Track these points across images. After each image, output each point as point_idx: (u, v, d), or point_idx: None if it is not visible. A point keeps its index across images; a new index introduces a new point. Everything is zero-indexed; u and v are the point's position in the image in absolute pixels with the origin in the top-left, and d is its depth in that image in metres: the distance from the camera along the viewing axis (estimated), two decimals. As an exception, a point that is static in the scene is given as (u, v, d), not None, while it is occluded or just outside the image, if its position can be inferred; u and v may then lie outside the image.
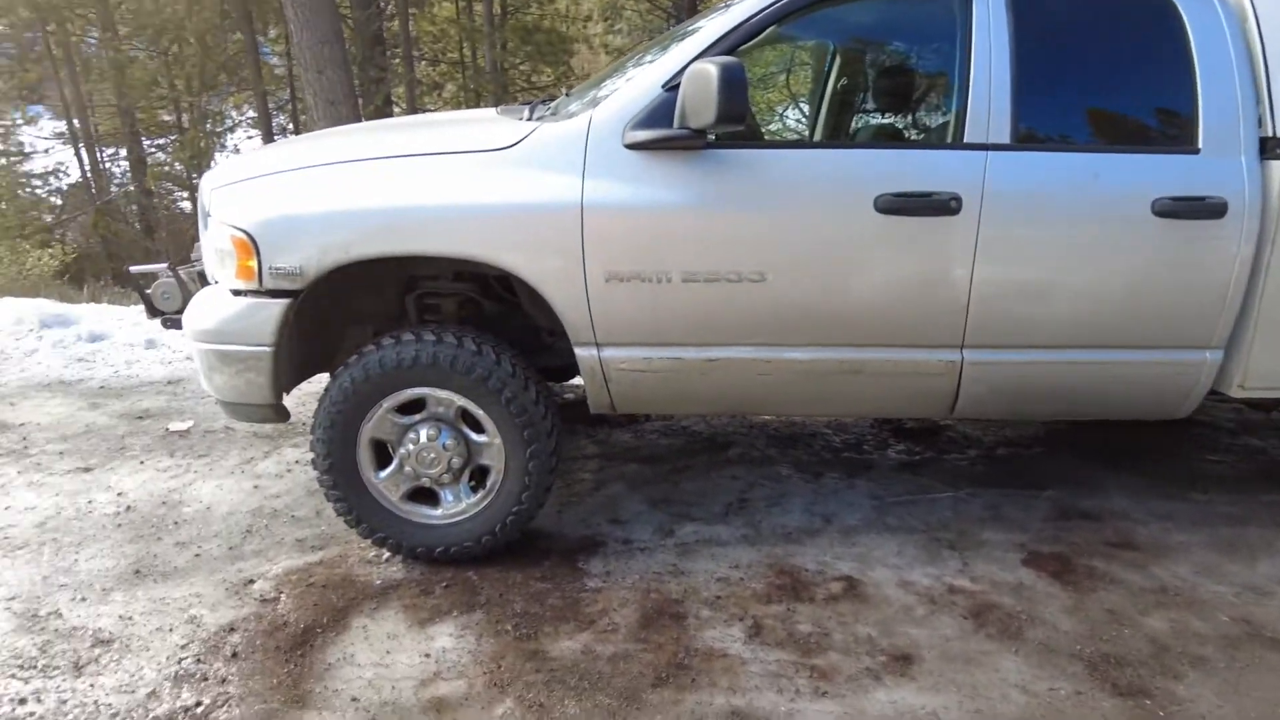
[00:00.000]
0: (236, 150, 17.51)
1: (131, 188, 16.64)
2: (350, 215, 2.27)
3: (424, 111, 15.17)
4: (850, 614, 2.26)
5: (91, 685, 1.98)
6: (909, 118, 3.20)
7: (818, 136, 3.80)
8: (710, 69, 2.03)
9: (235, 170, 2.55)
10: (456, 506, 2.44)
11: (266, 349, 2.31)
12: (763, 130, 4.69)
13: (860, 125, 3.56)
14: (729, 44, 2.30)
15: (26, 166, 16.43)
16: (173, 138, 17.94)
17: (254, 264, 2.27)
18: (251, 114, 18.51)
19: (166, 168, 17.47)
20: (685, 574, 2.43)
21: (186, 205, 17.78)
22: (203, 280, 2.87)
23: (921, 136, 3.09)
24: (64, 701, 1.92)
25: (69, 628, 2.19)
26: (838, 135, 3.56)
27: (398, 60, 15.26)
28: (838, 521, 2.75)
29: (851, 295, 2.32)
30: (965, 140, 2.31)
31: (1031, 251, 2.35)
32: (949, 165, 2.30)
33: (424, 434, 2.38)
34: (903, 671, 2.04)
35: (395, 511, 2.43)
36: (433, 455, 2.38)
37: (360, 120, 9.76)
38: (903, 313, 2.35)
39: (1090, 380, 2.47)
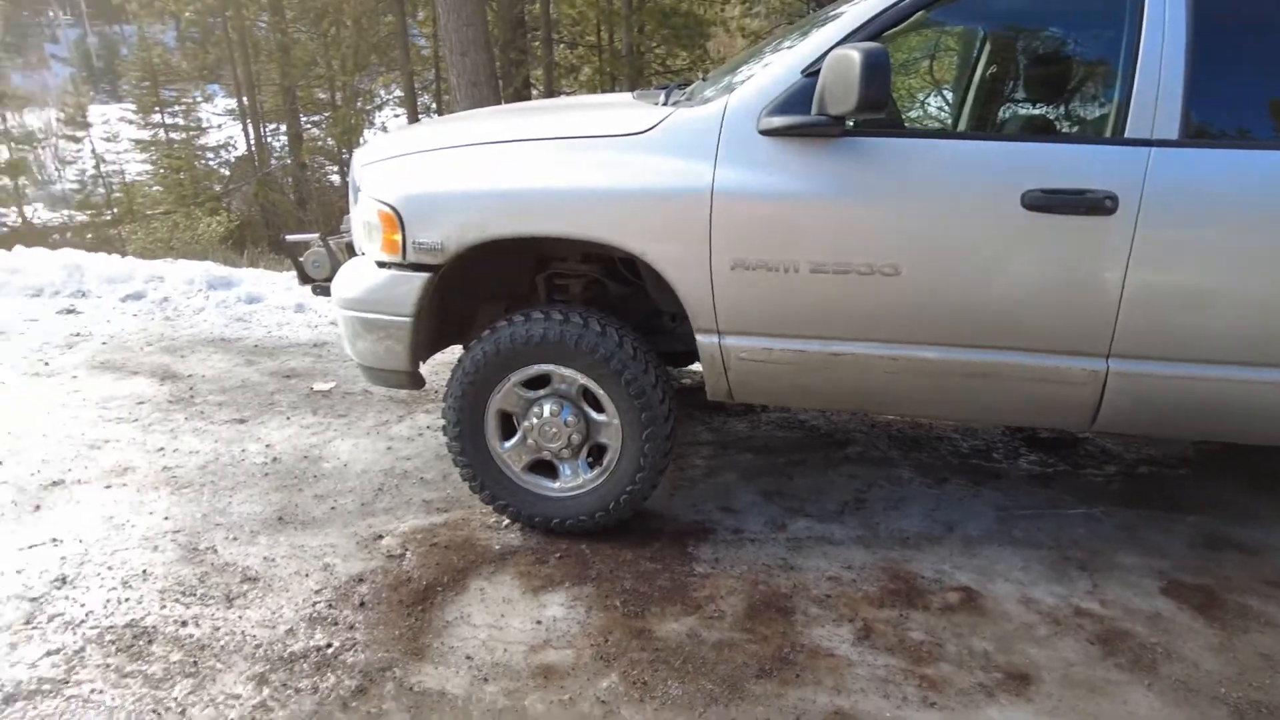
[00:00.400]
0: (384, 127, 18.47)
1: (288, 161, 17.87)
2: (489, 195, 2.35)
3: (561, 93, 15.48)
4: (966, 626, 2.18)
5: (240, 617, 2.17)
6: (1063, 109, 3.01)
7: (962, 126, 3.63)
8: (853, 55, 1.98)
9: (384, 148, 2.70)
10: (574, 481, 2.51)
11: (407, 319, 2.44)
12: (903, 118, 4.51)
13: (1008, 115, 3.38)
14: (873, 29, 2.22)
15: (202, 140, 17.96)
16: (326, 115, 19.13)
17: (399, 238, 2.40)
18: (398, 93, 19.47)
19: (319, 143, 18.66)
20: (795, 569, 2.41)
21: (335, 178, 18.95)
22: (350, 251, 3.05)
23: (1076, 129, 2.91)
24: (217, 629, 2.12)
25: (223, 563, 2.41)
26: (984, 125, 3.39)
27: (537, 43, 15.62)
28: (959, 530, 2.65)
29: (991, 294, 2.21)
30: (1126, 134, 2.14)
31: (1195, 257, 2.16)
32: (1106, 161, 2.15)
33: (547, 409, 2.45)
34: (1018, 691, 1.95)
35: (516, 481, 2.53)
36: (554, 430, 2.46)
37: (500, 101, 10.07)
38: (1045, 316, 2.22)
39: (1256, 401, 2.26)
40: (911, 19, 2.29)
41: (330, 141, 18.05)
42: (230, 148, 18.38)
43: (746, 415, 3.51)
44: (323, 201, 16.46)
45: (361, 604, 2.22)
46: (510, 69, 13.55)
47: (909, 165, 2.22)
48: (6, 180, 17.64)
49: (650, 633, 2.12)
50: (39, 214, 17.89)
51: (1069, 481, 3.00)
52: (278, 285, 5.22)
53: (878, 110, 2.02)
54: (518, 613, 2.19)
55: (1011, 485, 2.96)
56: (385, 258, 2.46)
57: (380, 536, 2.55)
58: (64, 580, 2.32)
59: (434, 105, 18.13)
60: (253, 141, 17.77)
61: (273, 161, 18.13)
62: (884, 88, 1.98)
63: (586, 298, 2.72)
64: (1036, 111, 3.16)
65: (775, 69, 2.29)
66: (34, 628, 2.13)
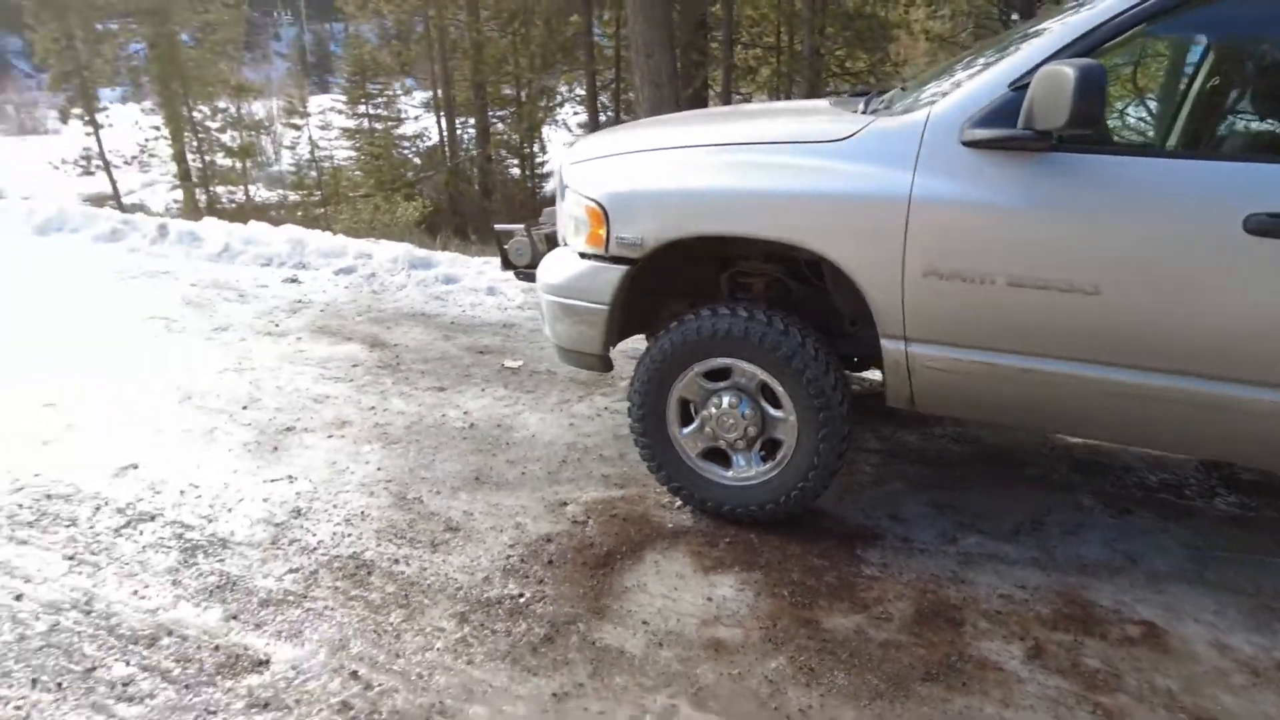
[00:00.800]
0: (565, 124, 19.31)
1: (475, 153, 19.03)
2: (690, 195, 2.50)
3: (737, 94, 15.56)
4: (1148, 662, 2.10)
5: (443, 561, 2.43)
6: (1299, 126, 2.80)
7: (1174, 141, 3.41)
8: (1067, 71, 1.96)
9: (592, 148, 2.90)
10: (746, 472, 2.61)
11: (604, 307, 2.63)
12: (1111, 133, 4.28)
13: (1230, 132, 3.15)
14: (1088, 44, 2.16)
15: (400, 130, 19.46)
16: (511, 110, 20.21)
17: (603, 232, 2.59)
18: (579, 91, 20.27)
19: (503, 137, 19.74)
20: (965, 583, 2.40)
21: (516, 171, 19.99)
22: (549, 241, 3.29)
23: (1316, 149, 2.69)
24: (424, 570, 2.39)
25: (428, 512, 2.70)
26: (1201, 142, 3.18)
27: (716, 44, 15.79)
28: (1144, 564, 2.53)
29: (1199, 321, 2.11)
30: (1379, 157, 1.99)
31: None
32: (1352, 185, 2.00)
33: (726, 401, 2.57)
34: (1206, 735, 1.87)
35: (691, 466, 2.66)
36: (731, 421, 2.57)
37: (679, 101, 10.30)
38: (1261, 346, 2.09)
39: None
40: (1130, 33, 2.21)
41: (514, 136, 19.07)
42: (424, 138, 19.84)
43: (918, 426, 3.48)
44: (505, 193, 17.45)
45: (550, 562, 2.43)
46: (690, 70, 13.78)
47: (1117, 183, 2.16)
48: (236, 162, 19.95)
49: (817, 624, 2.19)
50: (259, 193, 20.11)
51: (1275, 529, 2.79)
52: (471, 269, 5.64)
53: (1089, 127, 1.98)
54: (689, 588, 2.33)
55: (1205, 525, 2.79)
56: (588, 250, 2.66)
57: (565, 503, 2.76)
58: (299, 512, 2.69)
59: (612, 104, 18.71)
60: (444, 133, 19.06)
61: (460, 153, 19.36)
62: (1098, 105, 1.95)
63: (769, 297, 2.81)
64: (1265, 128, 2.94)
65: (981, 81, 2.28)
66: (278, 549, 2.49)
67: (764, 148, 2.52)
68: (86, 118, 20.12)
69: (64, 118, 20.48)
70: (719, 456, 2.67)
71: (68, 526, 2.61)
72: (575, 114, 20.22)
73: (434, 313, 4.94)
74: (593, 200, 2.62)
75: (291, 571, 2.38)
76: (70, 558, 2.44)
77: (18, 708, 1.90)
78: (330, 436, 3.25)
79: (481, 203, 16.99)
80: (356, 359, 4.11)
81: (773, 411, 2.55)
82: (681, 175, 2.54)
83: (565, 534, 2.58)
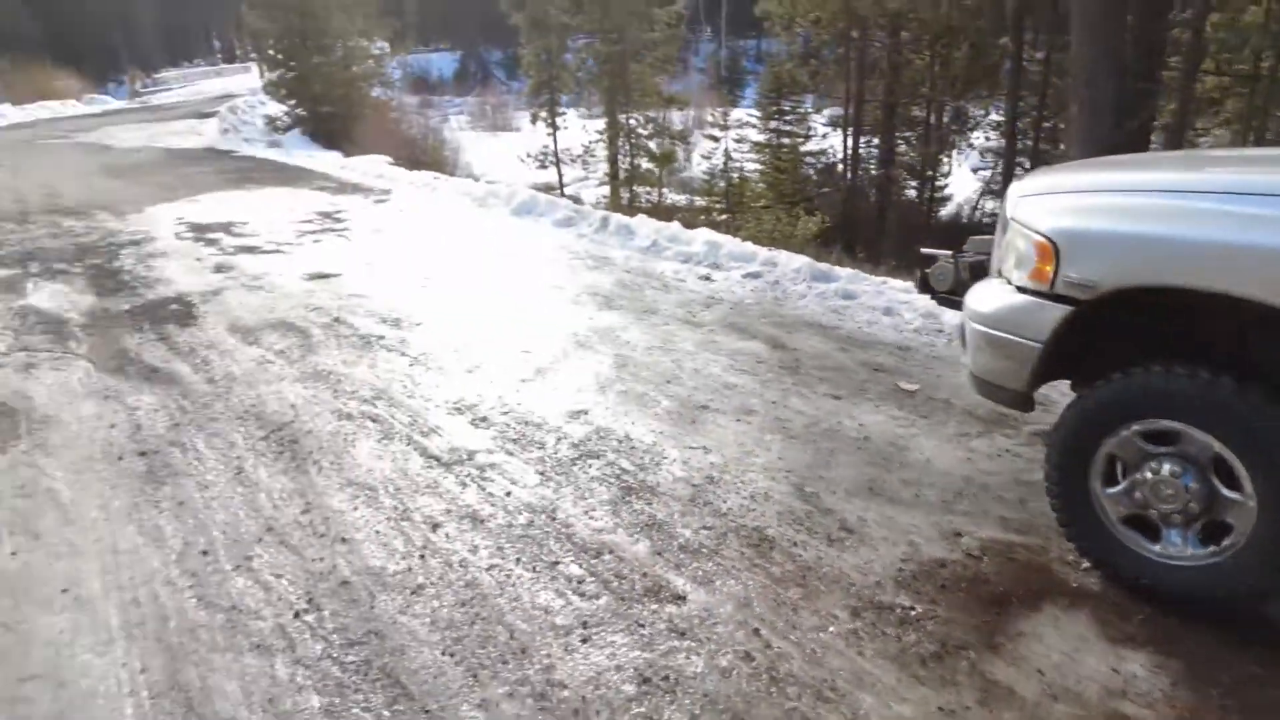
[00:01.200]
0: (975, 149, 18.41)
1: (876, 173, 18.98)
2: (1167, 243, 2.33)
3: (1193, 130, 13.57)
4: None
5: (838, 556, 2.60)
6: None
7: None
8: None
9: (1045, 183, 2.83)
10: (1179, 550, 2.38)
11: (1037, 345, 2.57)
12: None
13: None
14: None
15: (805, 146, 20.13)
16: (917, 131, 19.77)
17: (1050, 269, 2.53)
18: (993, 117, 19.16)
19: (906, 158, 19.40)
20: None
21: (911, 193, 19.54)
22: (972, 270, 3.28)
23: None
24: (820, 559, 2.59)
25: (825, 508, 2.89)
26: None
27: (1172, 72, 13.83)
28: None
29: None
30: None
31: None
32: None
33: (1167, 468, 2.36)
34: None
35: (1109, 529, 2.49)
36: (1170, 491, 2.36)
37: (1120, 133, 9.30)
38: None
39: None
40: None
41: (917, 159, 18.67)
42: (828, 155, 20.30)
43: None
44: (900, 215, 17.18)
45: (942, 586, 2.47)
46: (1135, 100, 12.30)
47: None
48: (655, 166, 22.32)
49: (1250, 734, 1.96)
50: (670, 195, 22.26)
51: None
52: (870, 287, 5.73)
53: None
54: (1092, 653, 2.21)
55: None
56: (1030, 285, 2.61)
57: (959, 534, 2.76)
58: (712, 479, 3.05)
59: (1030, 132, 17.41)
60: (848, 151, 19.30)
61: (860, 172, 19.46)
62: None
63: (1236, 362, 2.51)
64: None
65: None
66: (695, 506, 2.87)
67: (1257, 200, 2.27)
68: (549, 120, 24.01)
69: (534, 120, 24.72)
70: (1144, 525, 2.47)
71: (538, 449, 3.26)
72: (986, 140, 19.12)
73: (830, 324, 5.14)
74: (1043, 236, 2.57)
75: (705, 528, 2.72)
76: (541, 473, 3.07)
77: (505, 575, 2.47)
78: (738, 420, 3.60)
79: (876, 222, 16.93)
80: (760, 356, 4.46)
81: (1226, 492, 2.29)
82: (1159, 220, 2.38)
83: (959, 563, 2.59)
